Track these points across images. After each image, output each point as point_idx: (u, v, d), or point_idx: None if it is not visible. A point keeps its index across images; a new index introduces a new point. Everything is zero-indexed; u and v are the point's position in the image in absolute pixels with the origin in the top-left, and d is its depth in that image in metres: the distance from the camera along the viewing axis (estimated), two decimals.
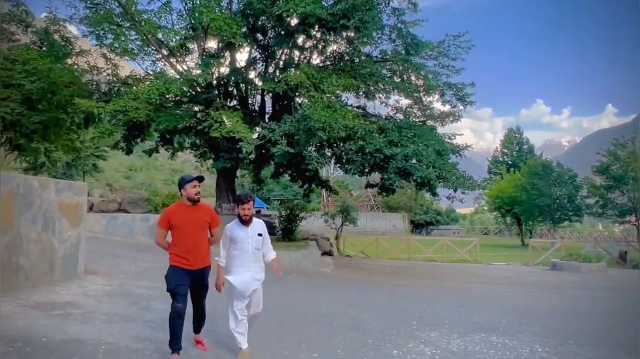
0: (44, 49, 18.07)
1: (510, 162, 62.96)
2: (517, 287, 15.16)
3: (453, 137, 18.49)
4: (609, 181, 33.41)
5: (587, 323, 9.51)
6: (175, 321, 5.12)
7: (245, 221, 5.58)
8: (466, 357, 6.52)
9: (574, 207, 43.37)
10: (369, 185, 22.01)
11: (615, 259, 23.65)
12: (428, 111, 19.19)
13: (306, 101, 16.00)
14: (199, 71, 16.59)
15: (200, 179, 5.47)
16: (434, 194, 17.86)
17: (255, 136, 16.36)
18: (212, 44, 18.06)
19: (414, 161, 15.85)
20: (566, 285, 15.63)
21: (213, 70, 16.87)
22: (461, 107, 18.57)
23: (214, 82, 17.59)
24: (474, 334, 7.82)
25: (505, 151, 68.94)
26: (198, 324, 5.73)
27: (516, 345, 7.24)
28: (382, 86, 17.89)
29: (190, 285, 5.32)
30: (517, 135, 69.78)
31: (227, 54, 18.01)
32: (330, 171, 57.88)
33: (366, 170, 17.09)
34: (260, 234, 5.66)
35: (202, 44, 17.65)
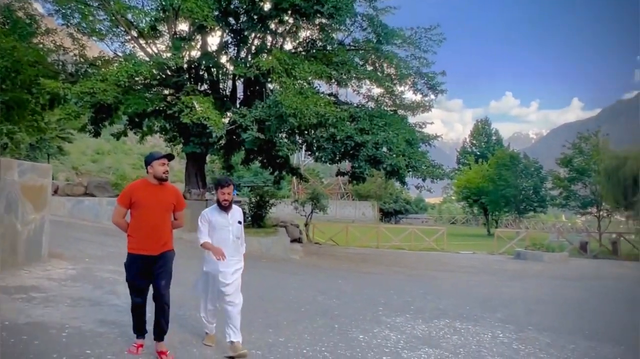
0: (7, 26, 17.46)
1: (478, 153, 63.98)
2: (482, 275, 15.49)
3: (423, 127, 18.65)
4: (573, 173, 34.26)
5: (547, 310, 9.81)
6: (136, 312, 5.03)
7: (225, 207, 5.32)
8: (430, 342, 6.66)
9: (539, 198, 44.36)
10: (339, 173, 22.09)
11: (577, 249, 24.33)
12: (399, 101, 19.28)
13: (278, 86, 15.90)
14: (169, 54, 16.28)
15: (169, 157, 5.07)
16: (403, 182, 18.05)
17: (226, 121, 16.22)
18: (183, 27, 17.73)
19: (384, 149, 15.95)
20: (529, 274, 16.05)
21: (184, 53, 16.59)
22: (432, 96, 18.72)
23: (185, 65, 17.31)
24: (439, 320, 7.99)
25: (474, 142, 70.05)
26: (160, 328, 5.00)
27: (478, 331, 7.44)
28: (354, 74, 17.86)
29: (151, 272, 4.93)
30: (486, 127, 70.91)
31: (198, 37, 17.71)
32: (301, 159, 57.84)
33: (337, 158, 17.10)
34: (240, 222, 5.46)
35: (173, 26, 17.31)
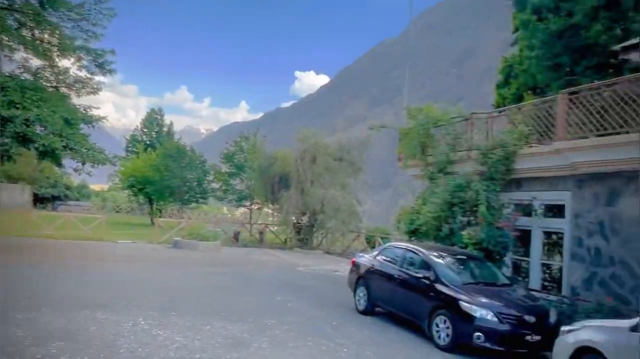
0: None
1: (148, 142, 63.42)
2: (136, 264, 15.43)
3: (90, 110, 17.56)
4: (233, 169, 37.48)
5: (192, 296, 10.43)
6: None
7: None
8: (65, 335, 6.32)
9: (201, 190, 46.68)
10: None
11: (230, 238, 26.50)
12: (62, 77, 17.69)
13: None
14: None
15: None
16: (59, 164, 16.75)
17: None
18: None
19: (37, 126, 14.48)
20: (182, 262, 16.74)
21: None
22: (102, 77, 17.79)
23: None
24: (79, 311, 7.65)
25: (145, 130, 69.14)
26: None
27: (120, 320, 7.39)
28: (7, 38, 15.62)
29: None
30: (158, 116, 70.80)
31: None
32: None
33: None
34: None
35: None
